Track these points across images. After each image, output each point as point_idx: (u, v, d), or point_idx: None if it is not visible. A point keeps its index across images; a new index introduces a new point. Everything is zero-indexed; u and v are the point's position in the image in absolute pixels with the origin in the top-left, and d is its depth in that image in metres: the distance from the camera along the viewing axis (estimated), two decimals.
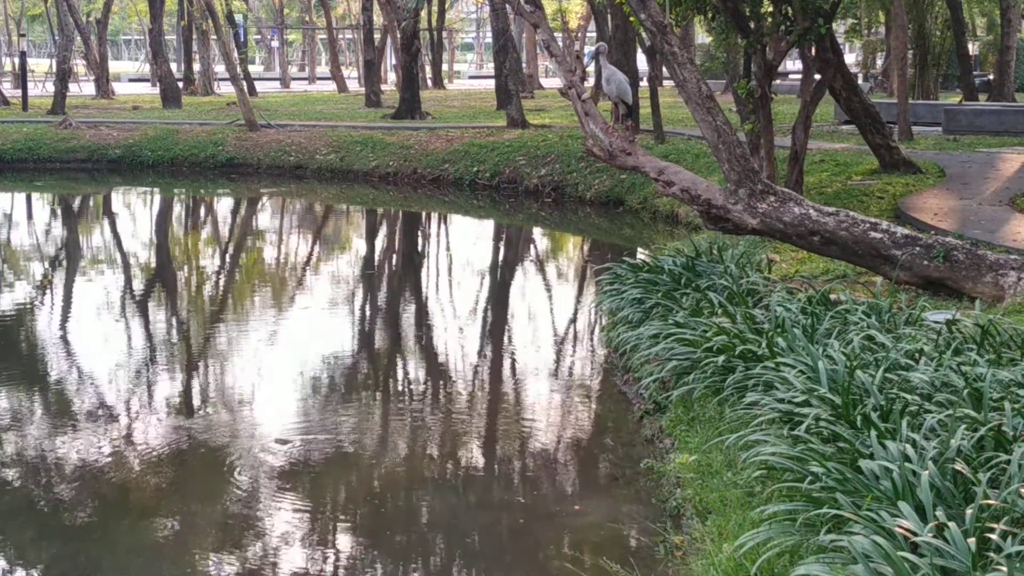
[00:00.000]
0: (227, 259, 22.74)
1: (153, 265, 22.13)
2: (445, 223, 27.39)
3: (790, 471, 7.37)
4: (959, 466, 6.50)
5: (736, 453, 8.39)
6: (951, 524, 5.78)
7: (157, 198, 32.22)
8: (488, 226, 27.10)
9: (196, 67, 58.88)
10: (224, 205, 31.27)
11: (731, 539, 7.18)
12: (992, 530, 5.78)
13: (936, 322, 10.11)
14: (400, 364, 14.26)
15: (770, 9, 18.14)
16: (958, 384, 7.95)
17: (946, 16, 39.07)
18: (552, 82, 63.29)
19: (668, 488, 9.02)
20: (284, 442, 10.88)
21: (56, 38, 52.06)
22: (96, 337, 15.31)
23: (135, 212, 30.01)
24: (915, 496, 6.25)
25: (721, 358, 9.90)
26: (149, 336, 15.65)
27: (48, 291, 18.96)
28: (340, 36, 79.07)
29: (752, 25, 18.00)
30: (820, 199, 17.26)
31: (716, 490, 8.20)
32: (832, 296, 11.50)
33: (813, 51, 18.82)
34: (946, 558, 5.64)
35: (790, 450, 7.49)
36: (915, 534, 5.87)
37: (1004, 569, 5.43)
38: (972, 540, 5.65)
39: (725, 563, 6.97)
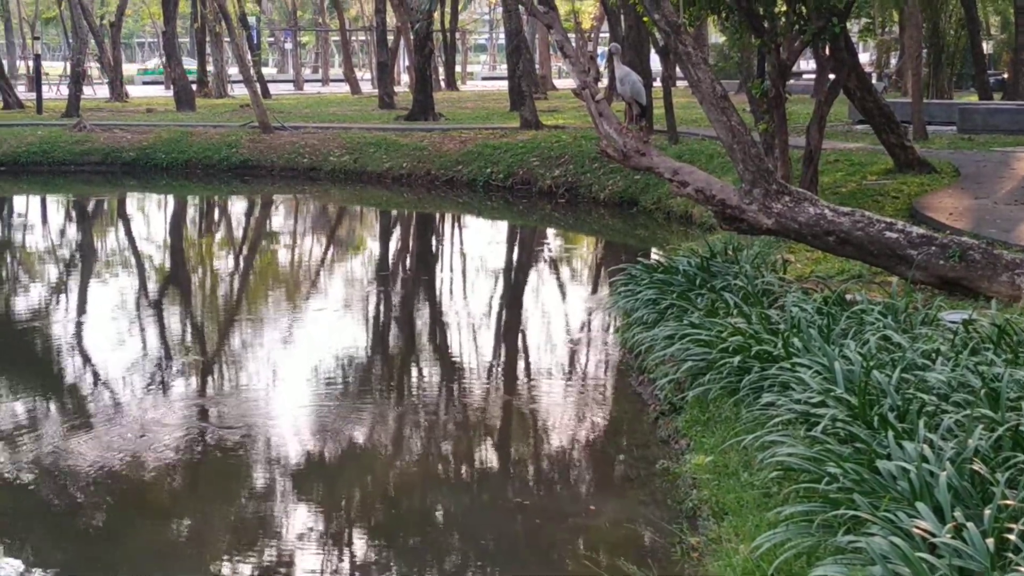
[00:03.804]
0: (242, 261, 22.77)
1: (168, 267, 22.17)
2: (459, 224, 27.38)
3: (807, 472, 7.36)
4: (977, 466, 6.47)
5: (752, 454, 8.38)
6: (969, 525, 5.76)
7: (171, 200, 32.26)
8: (502, 227, 27.08)
9: (209, 69, 58.99)
10: (238, 207, 31.30)
11: (748, 540, 7.17)
12: (1010, 530, 5.76)
13: (952, 322, 10.08)
14: (414, 364, 14.26)
15: (784, 8, 18.10)
16: (975, 384, 7.92)
17: (960, 15, 39.02)
18: (565, 83, 63.30)
19: (684, 489, 9.00)
20: (298, 442, 10.92)
21: (70, 41, 52.21)
22: (113, 339, 15.34)
23: (150, 214, 30.07)
24: (933, 497, 6.23)
25: (737, 359, 9.88)
26: (165, 338, 15.68)
27: (65, 293, 19.00)
28: (353, 38, 79.17)
29: (766, 25, 17.97)
30: (835, 199, 17.22)
31: (732, 491, 8.19)
32: (848, 296, 11.47)
33: (827, 51, 18.78)
34: (964, 559, 5.63)
35: (807, 451, 7.48)
36: (933, 535, 5.85)
37: (1023, 570, 5.41)
38: (990, 540, 5.64)
39: (742, 564, 6.96)
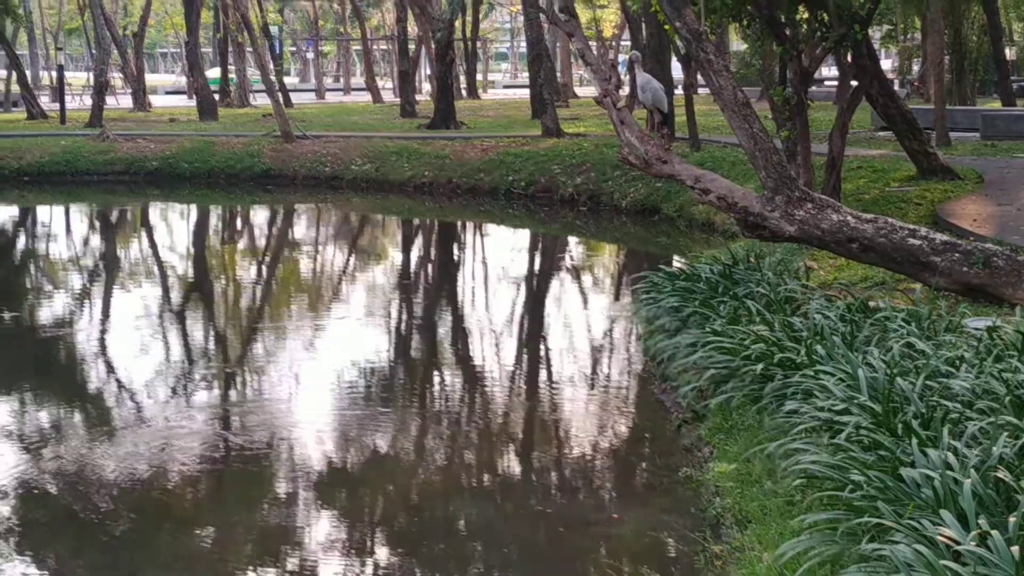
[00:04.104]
0: (265, 270, 22.83)
1: (192, 277, 22.25)
2: (480, 232, 27.41)
3: (830, 479, 7.33)
4: (1001, 474, 6.44)
5: (776, 462, 8.35)
6: (994, 532, 5.72)
7: (195, 210, 32.37)
8: (524, 235, 27.10)
9: (232, 79, 59.17)
10: (261, 216, 31.39)
11: (771, 548, 7.15)
12: None
13: (976, 329, 10.03)
14: (437, 373, 14.27)
15: (806, 16, 18.08)
16: (999, 391, 7.87)
17: (982, 21, 38.88)
18: (586, 91, 63.28)
19: (707, 497, 8.98)
20: (322, 450, 10.94)
21: (93, 52, 52.44)
22: (137, 348, 15.40)
23: (173, 224, 30.18)
24: (957, 504, 6.20)
25: (759, 366, 9.85)
26: (189, 346, 15.74)
27: (90, 302, 19.07)
28: (375, 47, 79.36)
29: (788, 32, 17.94)
30: (858, 206, 17.16)
31: (756, 499, 8.17)
32: (871, 303, 11.43)
33: (849, 57, 18.74)
34: (989, 567, 5.60)
35: (830, 458, 7.45)
36: (957, 543, 5.82)
37: None
38: (1015, 548, 5.60)
39: (766, 572, 6.94)
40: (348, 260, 23.67)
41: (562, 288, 20.37)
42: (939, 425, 7.38)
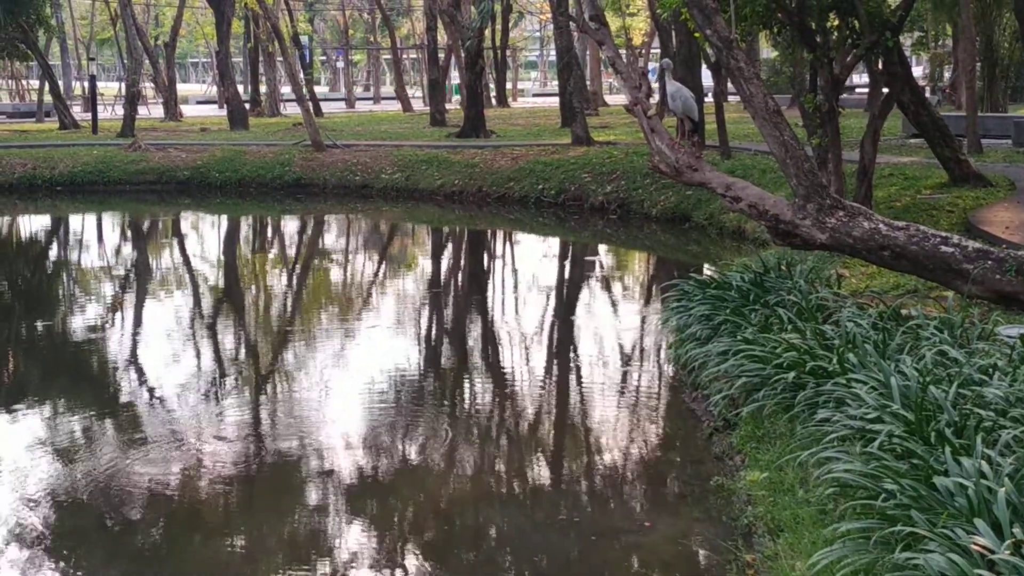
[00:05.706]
0: (296, 279, 22.89)
1: (223, 286, 22.33)
2: (510, 241, 27.40)
3: (863, 488, 7.31)
4: None
5: (808, 470, 8.33)
6: None
7: (225, 219, 32.48)
8: (554, 243, 27.08)
9: (263, 88, 59.44)
10: (292, 226, 31.47)
11: (804, 557, 7.13)
12: None
13: (1010, 336, 9.99)
14: (467, 381, 14.28)
15: (836, 23, 18.04)
16: None
17: (1014, 27, 38.64)
18: (616, 99, 63.29)
19: (739, 506, 8.96)
20: (352, 459, 10.96)
21: (125, 62, 52.76)
22: (169, 356, 15.46)
23: (204, 233, 30.29)
24: (991, 513, 6.17)
25: (791, 374, 9.83)
26: (220, 355, 15.80)
27: (121, 311, 19.16)
28: (404, 56, 79.57)
29: (818, 39, 17.90)
30: (889, 213, 17.10)
31: (788, 508, 8.14)
32: (903, 311, 11.39)
33: (880, 64, 18.67)
34: None
35: (863, 467, 7.42)
36: (992, 552, 5.80)
37: None
38: None
39: None
40: (379, 269, 23.71)
41: (592, 296, 20.35)
42: (972, 433, 7.35)
